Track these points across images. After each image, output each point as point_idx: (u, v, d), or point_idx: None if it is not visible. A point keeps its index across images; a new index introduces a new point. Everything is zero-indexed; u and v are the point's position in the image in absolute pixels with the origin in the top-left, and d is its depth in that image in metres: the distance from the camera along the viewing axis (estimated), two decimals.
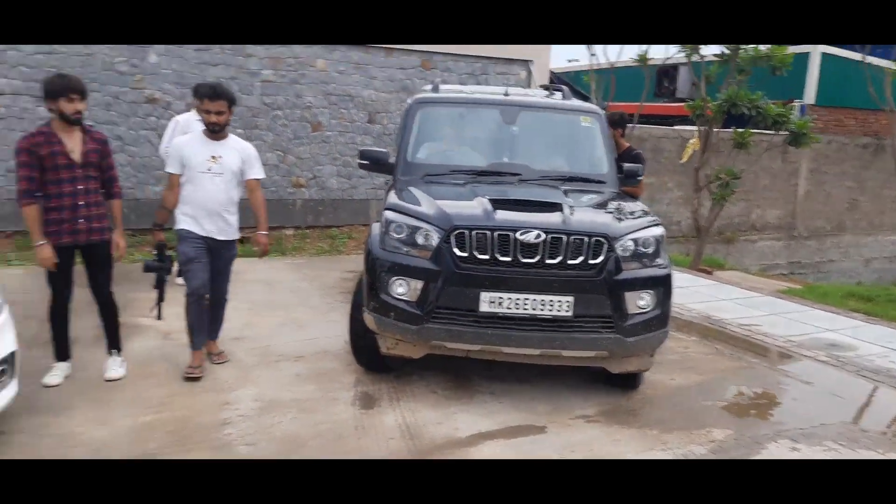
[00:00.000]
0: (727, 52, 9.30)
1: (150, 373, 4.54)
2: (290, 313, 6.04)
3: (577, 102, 5.79)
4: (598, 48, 10.31)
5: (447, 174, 4.99)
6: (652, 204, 12.29)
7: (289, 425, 3.88)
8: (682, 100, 13.26)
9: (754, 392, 4.85)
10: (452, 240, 4.04)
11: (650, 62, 10.04)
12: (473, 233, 4.03)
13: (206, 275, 4.47)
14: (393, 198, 4.52)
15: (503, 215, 4.12)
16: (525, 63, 11.46)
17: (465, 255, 4.03)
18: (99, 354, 4.56)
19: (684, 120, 12.10)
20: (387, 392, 4.41)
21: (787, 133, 9.28)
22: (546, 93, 6.23)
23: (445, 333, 4.07)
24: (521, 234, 4.01)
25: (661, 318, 4.26)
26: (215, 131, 4.42)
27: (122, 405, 4.02)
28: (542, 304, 4.02)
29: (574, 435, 4.00)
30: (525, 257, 4.02)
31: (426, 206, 4.28)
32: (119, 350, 4.49)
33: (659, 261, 4.32)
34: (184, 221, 4.47)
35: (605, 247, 4.08)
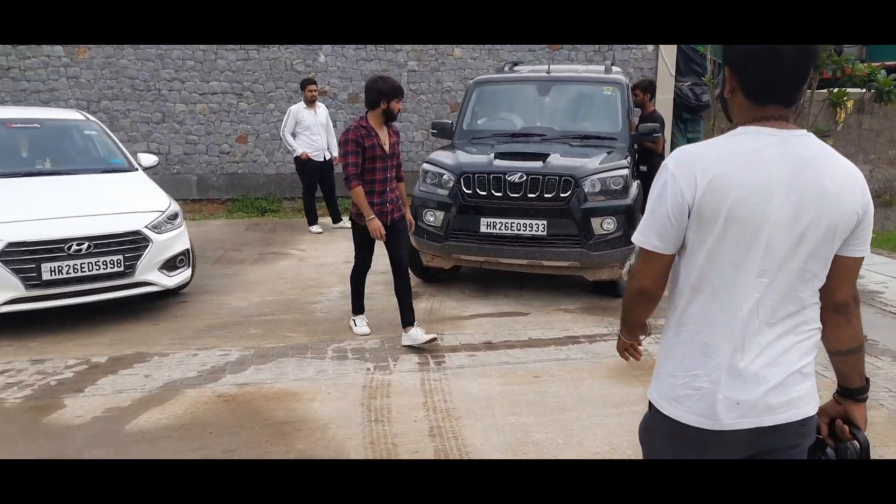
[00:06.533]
0: None
1: (284, 278, 6.80)
2: None
3: (606, 75, 7.12)
4: None
5: (489, 137, 6.67)
6: None
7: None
8: None
9: None
10: (462, 181, 5.78)
11: None
12: (475, 176, 5.74)
13: None
14: (432, 155, 6.35)
15: (499, 163, 5.78)
16: None
17: (469, 192, 5.76)
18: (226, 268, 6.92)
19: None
20: (429, 291, 6.27)
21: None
22: (598, 68, 7.61)
23: (459, 248, 5.84)
24: (509, 176, 5.65)
25: (623, 238, 5.66)
26: None
27: (260, 293, 6.28)
28: (524, 227, 5.64)
29: (547, 318, 5.57)
30: (513, 193, 5.66)
31: (450, 159, 6.06)
32: None
33: (625, 195, 5.71)
34: None
35: (573, 184, 5.58)
